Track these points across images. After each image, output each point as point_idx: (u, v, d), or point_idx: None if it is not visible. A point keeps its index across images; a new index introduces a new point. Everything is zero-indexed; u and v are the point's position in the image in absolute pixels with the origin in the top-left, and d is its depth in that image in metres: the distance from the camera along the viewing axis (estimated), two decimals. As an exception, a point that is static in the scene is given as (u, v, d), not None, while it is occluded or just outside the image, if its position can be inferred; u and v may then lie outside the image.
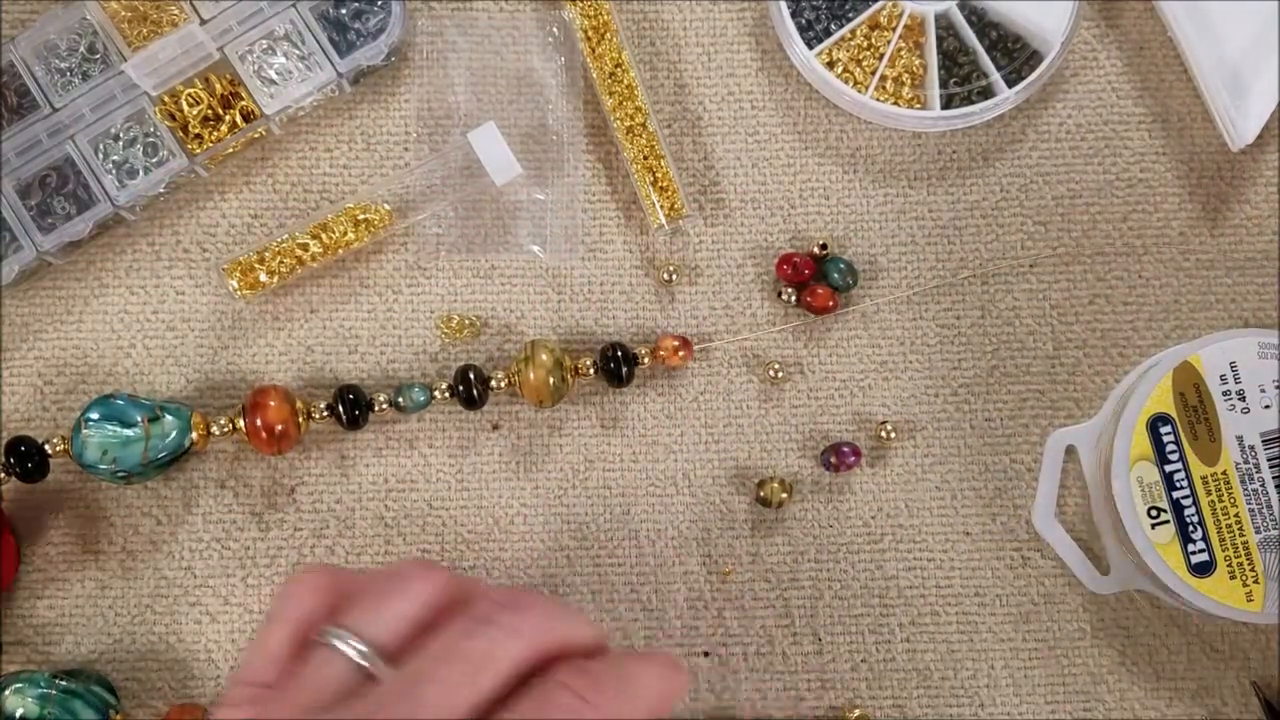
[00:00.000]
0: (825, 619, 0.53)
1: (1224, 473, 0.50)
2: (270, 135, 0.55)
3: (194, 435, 0.51)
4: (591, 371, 0.53)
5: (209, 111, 0.53)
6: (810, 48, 0.55)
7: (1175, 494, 0.50)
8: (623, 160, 0.55)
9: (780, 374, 0.54)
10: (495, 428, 0.54)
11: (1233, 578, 0.50)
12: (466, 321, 0.54)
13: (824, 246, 0.54)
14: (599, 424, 0.54)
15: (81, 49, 0.53)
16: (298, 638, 0.39)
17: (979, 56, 0.55)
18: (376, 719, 0.36)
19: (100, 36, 0.53)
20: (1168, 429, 0.51)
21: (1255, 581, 0.50)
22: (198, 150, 0.53)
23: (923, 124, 0.55)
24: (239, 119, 0.53)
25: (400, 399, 0.52)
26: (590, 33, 0.55)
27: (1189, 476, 0.50)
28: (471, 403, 0.52)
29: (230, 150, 0.54)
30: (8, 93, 0.52)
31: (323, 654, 0.38)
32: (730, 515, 0.53)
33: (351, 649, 0.38)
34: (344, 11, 0.53)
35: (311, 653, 0.39)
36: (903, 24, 0.55)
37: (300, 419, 0.51)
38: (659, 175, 0.54)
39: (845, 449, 0.53)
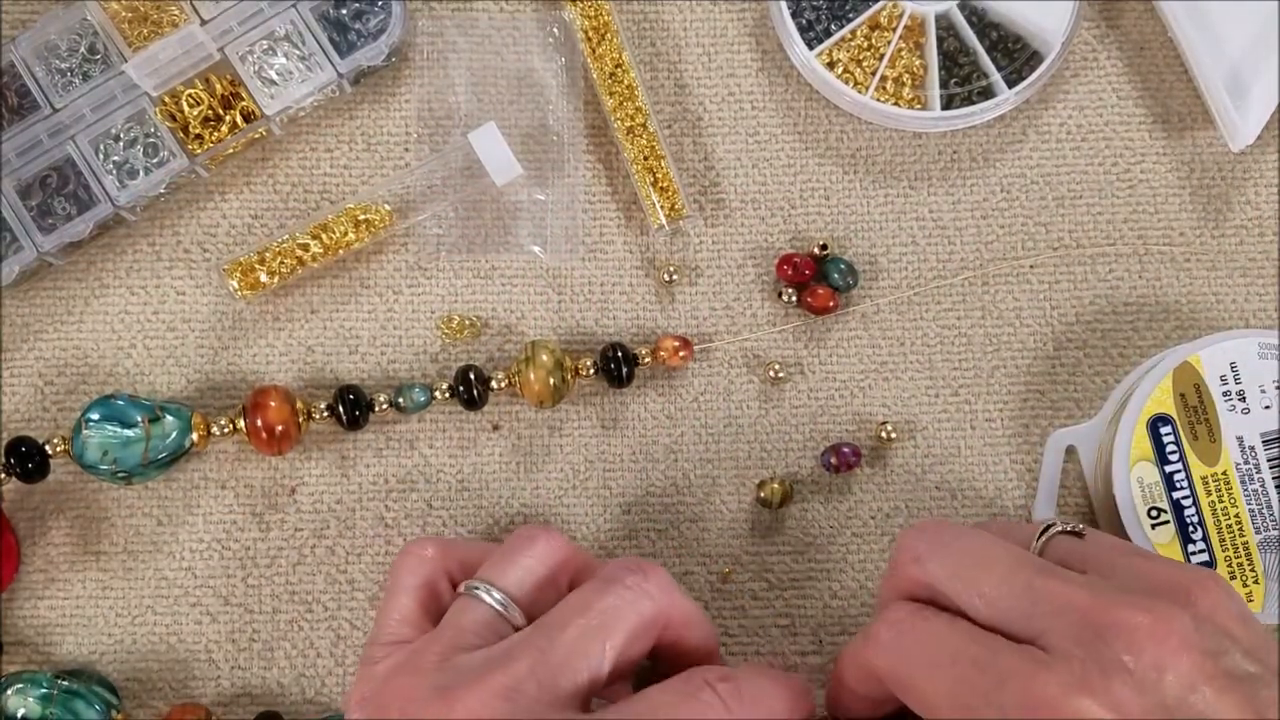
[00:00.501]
0: (825, 619, 0.53)
1: (1224, 473, 0.51)
2: (271, 135, 0.55)
3: (194, 435, 0.51)
4: (591, 372, 0.53)
5: (209, 112, 0.53)
6: (810, 48, 0.55)
7: (1175, 494, 0.50)
8: (623, 161, 0.55)
9: (780, 374, 0.54)
10: (495, 428, 0.54)
11: (1233, 578, 0.50)
12: (467, 322, 0.54)
13: (824, 247, 0.54)
14: (599, 424, 0.54)
15: (82, 49, 0.53)
16: (422, 602, 0.43)
17: (979, 57, 0.55)
18: (515, 655, 0.39)
19: (101, 37, 0.53)
20: (1168, 429, 0.51)
21: (1255, 582, 0.50)
22: (198, 151, 0.53)
23: (923, 124, 0.55)
24: (239, 119, 0.53)
25: (400, 399, 0.52)
26: (591, 33, 0.55)
27: (1189, 477, 0.51)
28: (472, 403, 0.52)
29: (231, 151, 0.54)
30: (8, 93, 0.53)
31: (462, 603, 0.42)
32: (730, 516, 0.53)
33: (490, 597, 0.41)
34: (344, 12, 0.53)
35: (451, 603, 0.42)
36: (903, 24, 0.55)
37: (300, 419, 0.51)
38: (659, 176, 0.54)
39: (845, 449, 0.53)
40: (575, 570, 0.44)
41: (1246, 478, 0.51)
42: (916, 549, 0.41)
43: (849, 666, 0.43)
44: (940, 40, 0.55)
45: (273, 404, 0.51)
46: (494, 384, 0.52)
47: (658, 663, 0.43)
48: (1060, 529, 0.41)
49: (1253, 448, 0.51)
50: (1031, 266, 0.55)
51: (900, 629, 0.40)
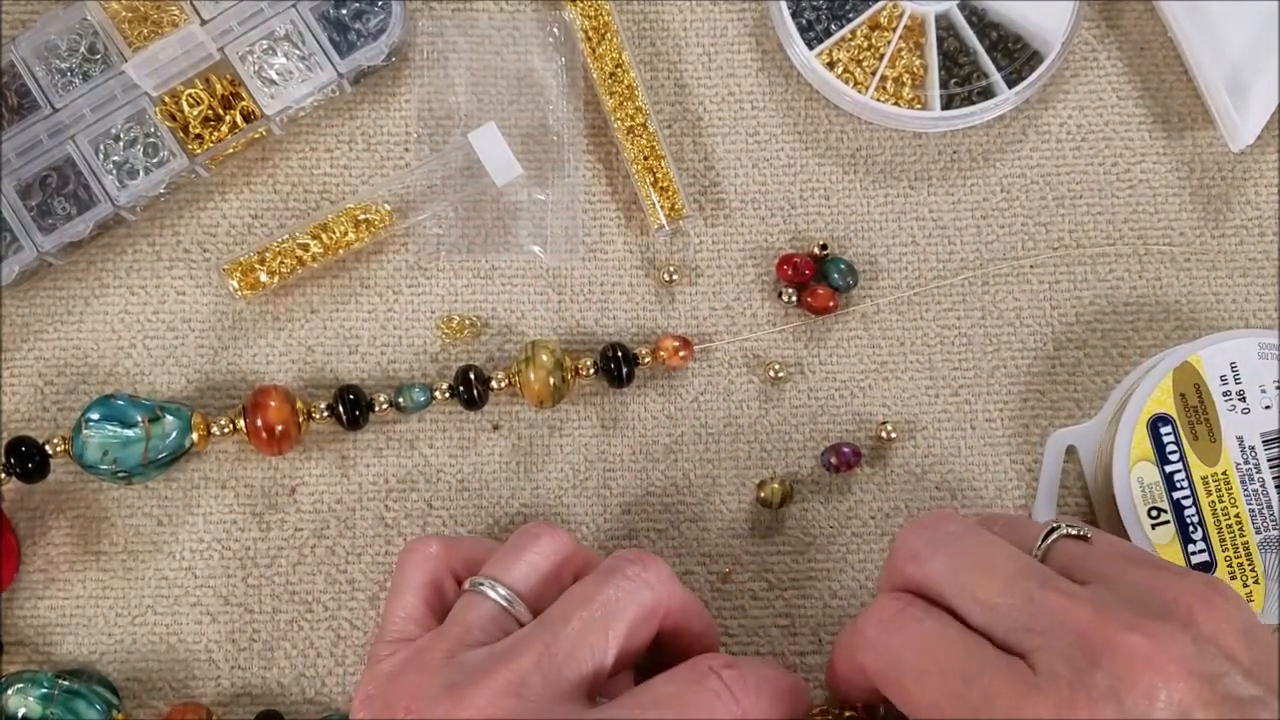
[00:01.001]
0: (825, 619, 0.53)
1: (1224, 473, 0.51)
2: (271, 135, 0.55)
3: (194, 435, 0.51)
4: (591, 372, 0.53)
5: (209, 112, 0.53)
6: (810, 48, 0.55)
7: (1175, 494, 0.50)
8: (623, 161, 0.55)
9: (780, 374, 0.54)
10: (495, 428, 0.54)
11: (1233, 578, 0.50)
12: (467, 322, 0.54)
13: (824, 247, 0.54)
14: (599, 424, 0.54)
15: (82, 49, 0.53)
16: (427, 600, 0.44)
17: (979, 57, 0.55)
18: (520, 650, 0.39)
19: (101, 37, 0.53)
20: (1168, 429, 0.51)
21: (1255, 582, 0.50)
22: (198, 150, 0.53)
23: (923, 124, 0.55)
24: (239, 119, 0.53)
25: (400, 399, 0.52)
26: (591, 33, 0.55)
27: (1189, 477, 0.51)
28: (472, 403, 0.52)
29: (231, 150, 0.54)
30: (8, 93, 0.53)
31: (467, 599, 0.42)
32: (730, 516, 0.53)
33: (495, 593, 0.42)
34: (344, 12, 0.53)
35: (456, 599, 0.43)
36: (903, 24, 0.55)
37: (300, 419, 0.51)
38: (659, 176, 0.54)
39: (845, 449, 0.53)
40: (579, 566, 0.44)
41: (1247, 478, 0.51)
42: (915, 546, 0.40)
43: (839, 658, 0.43)
44: (940, 40, 0.55)
45: (273, 404, 0.51)
46: (494, 384, 0.52)
47: (660, 653, 0.43)
48: (1065, 532, 0.40)
49: (1253, 448, 0.51)
50: (1031, 266, 0.55)
51: (888, 628, 0.39)
